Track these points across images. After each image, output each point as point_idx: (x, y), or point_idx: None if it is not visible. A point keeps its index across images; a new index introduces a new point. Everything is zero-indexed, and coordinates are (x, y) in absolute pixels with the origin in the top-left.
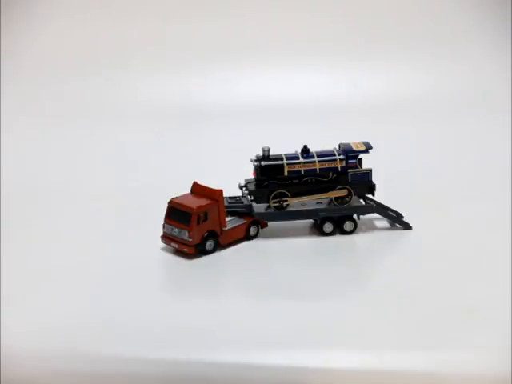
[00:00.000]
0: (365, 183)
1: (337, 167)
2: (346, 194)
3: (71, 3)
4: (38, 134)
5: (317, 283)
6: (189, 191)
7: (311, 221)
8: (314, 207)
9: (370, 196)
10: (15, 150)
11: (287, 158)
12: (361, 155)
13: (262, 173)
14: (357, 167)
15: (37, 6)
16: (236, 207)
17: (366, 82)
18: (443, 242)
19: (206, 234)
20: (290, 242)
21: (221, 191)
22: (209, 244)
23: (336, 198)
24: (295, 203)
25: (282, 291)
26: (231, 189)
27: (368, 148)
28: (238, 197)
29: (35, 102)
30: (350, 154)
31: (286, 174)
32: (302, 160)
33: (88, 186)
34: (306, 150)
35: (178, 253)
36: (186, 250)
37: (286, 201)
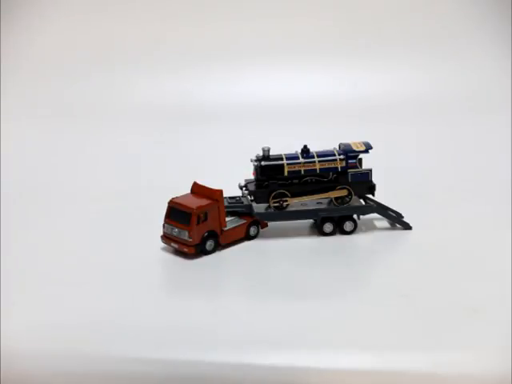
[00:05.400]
0: (365, 183)
1: (337, 167)
2: (346, 194)
3: (71, 3)
4: (38, 134)
5: (317, 283)
6: (189, 191)
7: (311, 221)
8: (314, 207)
9: (370, 196)
10: (15, 149)
11: (287, 158)
12: (361, 155)
13: (262, 173)
14: (357, 167)
15: (37, 5)
16: (236, 207)
17: (366, 81)
18: (443, 242)
19: (205, 234)
20: (290, 242)
21: (221, 191)
22: (209, 244)
23: (336, 198)
24: (295, 203)
25: (282, 291)
26: (231, 189)
27: (368, 148)
28: (238, 197)
29: (35, 101)
30: (349, 154)
31: (286, 174)
32: (302, 160)
33: (88, 186)
34: (306, 150)
35: (178, 253)
36: (185, 250)
37: (286, 201)
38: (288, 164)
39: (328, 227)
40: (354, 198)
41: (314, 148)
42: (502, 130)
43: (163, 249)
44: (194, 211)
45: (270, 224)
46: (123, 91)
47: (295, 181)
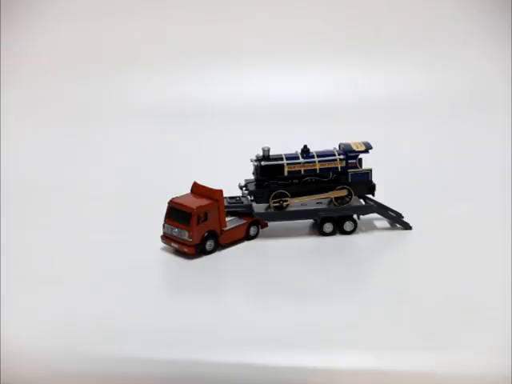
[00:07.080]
0: (365, 183)
1: (337, 167)
2: (345, 194)
3: (71, 3)
4: (38, 134)
5: (317, 283)
6: (189, 191)
7: (311, 221)
8: (314, 207)
9: (370, 196)
10: (15, 150)
11: (287, 158)
12: (361, 155)
13: (262, 173)
14: (357, 167)
15: (37, 5)
16: (236, 207)
17: (366, 81)
18: (443, 242)
19: (205, 234)
20: (290, 242)
21: (221, 191)
22: (209, 244)
23: (336, 198)
24: (295, 203)
25: (282, 291)
26: (231, 189)
27: (368, 148)
28: (238, 197)
29: (35, 102)
30: (349, 154)
31: (286, 174)
32: (302, 160)
33: (88, 186)
34: (305, 150)
35: (178, 253)
36: (185, 250)
37: (286, 201)
38: (288, 164)
39: (328, 227)
40: (354, 198)
41: (313, 148)
42: (502, 129)
43: (163, 249)
44: (194, 211)
45: (270, 224)
46: (123, 91)
47: (295, 181)
